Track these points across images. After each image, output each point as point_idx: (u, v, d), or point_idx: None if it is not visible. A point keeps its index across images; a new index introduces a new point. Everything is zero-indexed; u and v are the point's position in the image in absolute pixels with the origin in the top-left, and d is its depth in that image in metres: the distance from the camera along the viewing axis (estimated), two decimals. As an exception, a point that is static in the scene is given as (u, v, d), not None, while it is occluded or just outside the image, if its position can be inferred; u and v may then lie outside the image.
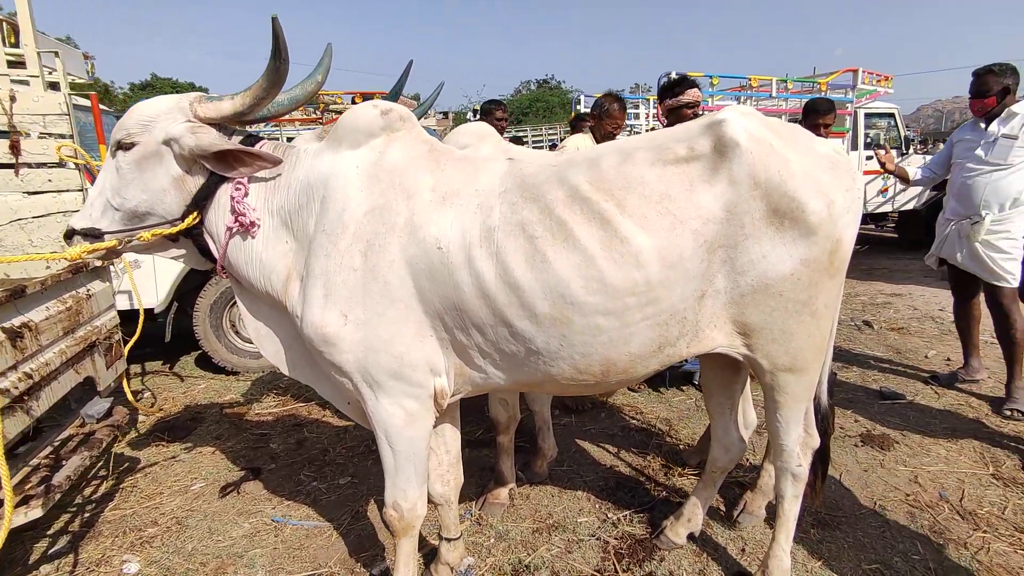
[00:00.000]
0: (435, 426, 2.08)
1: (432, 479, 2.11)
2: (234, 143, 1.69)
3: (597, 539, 2.40)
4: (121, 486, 2.93)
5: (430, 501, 2.06)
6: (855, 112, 7.84)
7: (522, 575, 2.23)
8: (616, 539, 2.40)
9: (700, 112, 3.27)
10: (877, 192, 8.20)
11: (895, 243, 9.47)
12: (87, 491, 2.86)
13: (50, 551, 2.42)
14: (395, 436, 1.79)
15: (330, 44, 1.95)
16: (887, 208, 8.37)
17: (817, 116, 3.58)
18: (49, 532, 2.55)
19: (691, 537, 2.33)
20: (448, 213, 1.64)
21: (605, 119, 3.63)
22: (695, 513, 2.31)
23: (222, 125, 1.81)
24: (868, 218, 9.19)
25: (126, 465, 3.13)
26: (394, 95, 2.22)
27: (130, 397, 2.97)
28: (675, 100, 3.24)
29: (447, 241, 1.61)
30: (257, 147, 1.80)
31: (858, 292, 6.33)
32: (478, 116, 4.52)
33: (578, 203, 1.57)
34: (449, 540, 2.19)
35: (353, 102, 8.43)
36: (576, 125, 4.43)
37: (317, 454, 3.20)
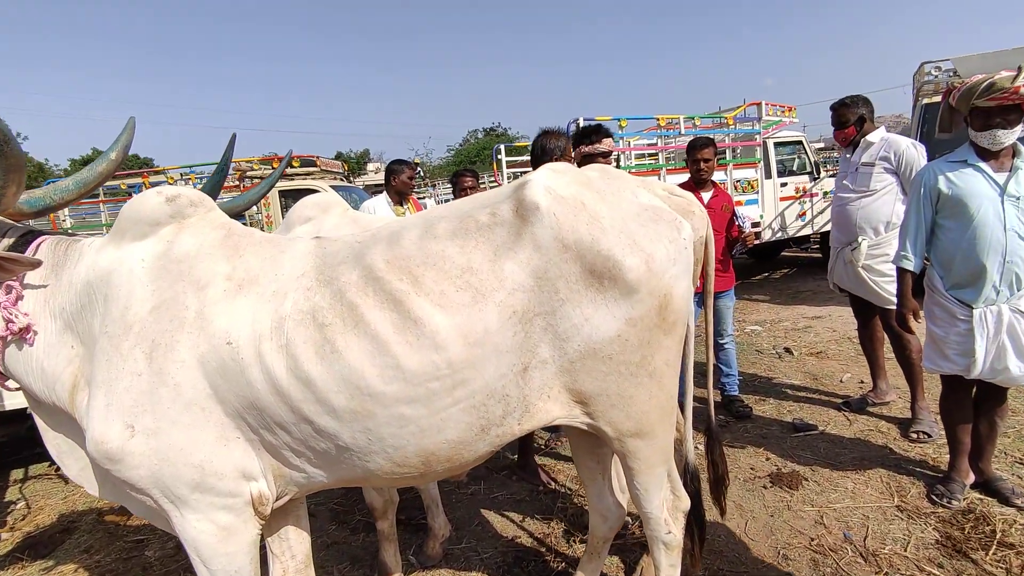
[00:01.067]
0: (272, 531, 1.89)
1: (276, 591, 1.89)
2: None
3: (485, 629, 2.20)
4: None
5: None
6: (764, 143, 8.16)
7: None
8: (506, 627, 2.20)
9: (611, 162, 3.27)
10: (796, 216, 8.48)
11: (821, 264, 9.78)
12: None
13: None
14: (209, 556, 1.58)
15: (132, 118, 1.83)
16: (807, 231, 8.64)
17: (695, 152, 3.64)
18: None
19: (583, 616, 2.16)
20: (242, 303, 1.50)
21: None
22: (584, 586, 2.15)
23: None
24: (792, 242, 9.49)
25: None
26: (220, 171, 2.10)
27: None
28: (592, 148, 3.19)
29: (237, 334, 1.46)
30: (34, 244, 1.64)
31: (782, 318, 6.42)
32: (388, 177, 4.38)
33: (371, 284, 1.45)
34: (309, 656, 1.95)
35: (272, 167, 8.31)
36: (455, 181, 4.35)
37: (197, 558, 2.90)
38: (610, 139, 3.23)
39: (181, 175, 8.76)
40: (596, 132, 3.24)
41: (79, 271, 1.60)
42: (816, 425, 3.61)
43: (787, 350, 5.22)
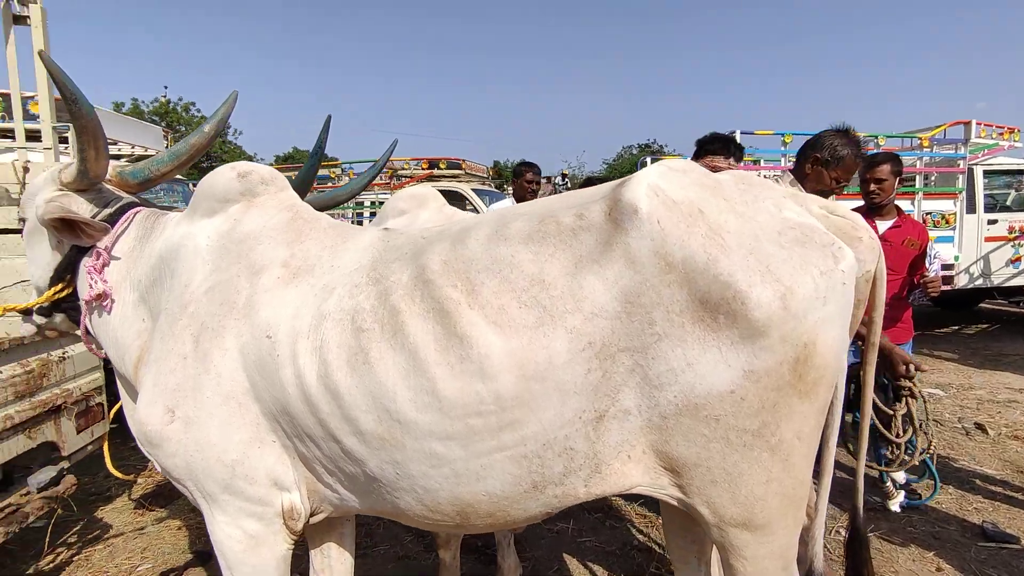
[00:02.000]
0: (317, 545, 1.74)
1: (313, 610, 1.74)
2: (65, 210, 1.52)
3: None
4: (76, 557, 2.81)
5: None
6: (970, 170, 6.75)
7: None
8: None
9: None
10: (1006, 262, 6.92)
11: (1035, 323, 7.90)
12: (44, 560, 2.77)
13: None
14: (235, 564, 1.45)
15: (235, 92, 1.79)
16: (1020, 281, 7.02)
17: (868, 169, 2.99)
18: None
19: None
20: (291, 294, 1.35)
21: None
22: None
23: (99, 190, 1.69)
24: (996, 292, 7.77)
25: (95, 532, 3.03)
26: (315, 154, 2.02)
27: (108, 463, 2.89)
28: (710, 161, 2.82)
29: (277, 328, 1.31)
30: (129, 214, 1.65)
31: (974, 384, 5.17)
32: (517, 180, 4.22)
33: (420, 288, 1.21)
34: None
35: (421, 168, 8.66)
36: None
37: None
38: (723, 158, 2.73)
39: (342, 170, 9.47)
40: (710, 143, 2.75)
41: (157, 244, 1.57)
42: (1018, 537, 2.74)
43: (979, 426, 4.16)
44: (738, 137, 5.57)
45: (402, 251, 1.33)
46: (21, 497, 2.50)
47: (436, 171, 8.44)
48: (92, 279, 1.56)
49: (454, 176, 8.54)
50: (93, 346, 1.71)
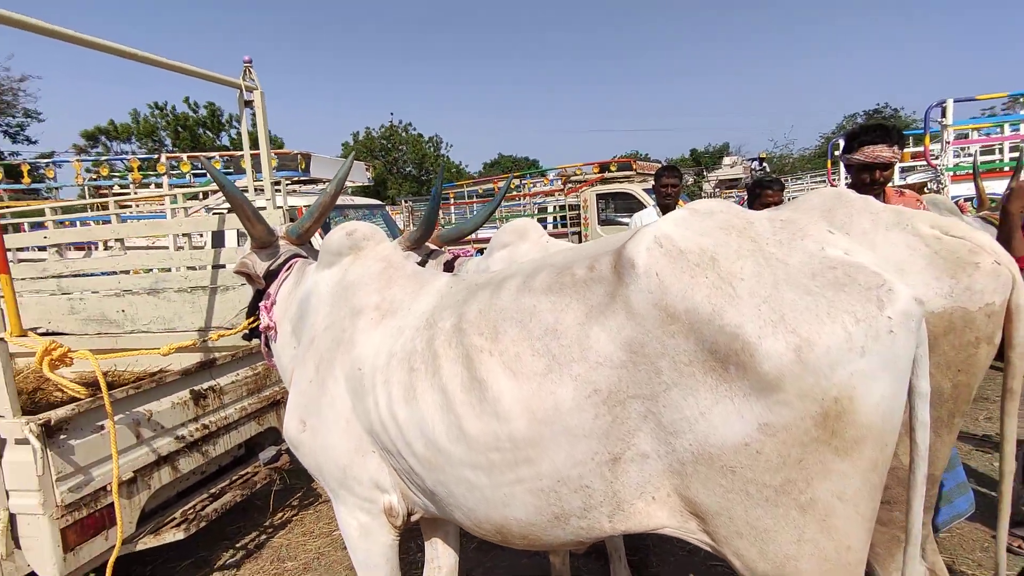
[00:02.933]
0: (428, 539, 2.05)
1: (424, 592, 2.05)
2: (240, 264, 2.05)
3: None
4: (292, 517, 3.61)
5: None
6: None
7: None
8: None
9: (877, 176, 2.48)
10: None
11: None
12: (263, 519, 3.61)
13: (204, 573, 3.15)
14: (352, 545, 1.82)
15: (352, 155, 2.20)
16: None
17: None
18: (211, 559, 3.31)
19: None
20: (377, 334, 1.65)
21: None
22: None
23: (275, 246, 2.21)
24: None
25: (308, 500, 3.84)
26: (434, 199, 2.31)
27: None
28: (847, 159, 2.57)
29: (365, 363, 1.62)
30: (289, 264, 2.13)
31: None
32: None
33: (456, 335, 1.40)
34: (449, 660, 2.07)
35: (593, 171, 8.81)
36: (755, 193, 3.65)
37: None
38: (877, 147, 2.42)
39: (520, 179, 10.12)
40: (864, 133, 2.45)
41: (302, 288, 2.02)
42: None
43: None
44: (951, 104, 4.61)
45: (456, 298, 1.54)
46: (252, 468, 3.31)
47: (607, 173, 8.51)
48: (263, 315, 2.08)
49: (626, 177, 8.51)
50: (273, 363, 2.25)
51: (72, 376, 3.51)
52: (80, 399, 2.24)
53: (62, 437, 2.21)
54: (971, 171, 4.46)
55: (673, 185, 3.93)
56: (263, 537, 3.42)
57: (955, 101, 4.75)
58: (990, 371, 1.43)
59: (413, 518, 1.81)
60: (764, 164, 18.70)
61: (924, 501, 1.50)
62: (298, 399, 1.81)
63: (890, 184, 2.85)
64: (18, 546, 2.21)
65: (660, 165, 10.14)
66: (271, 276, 2.15)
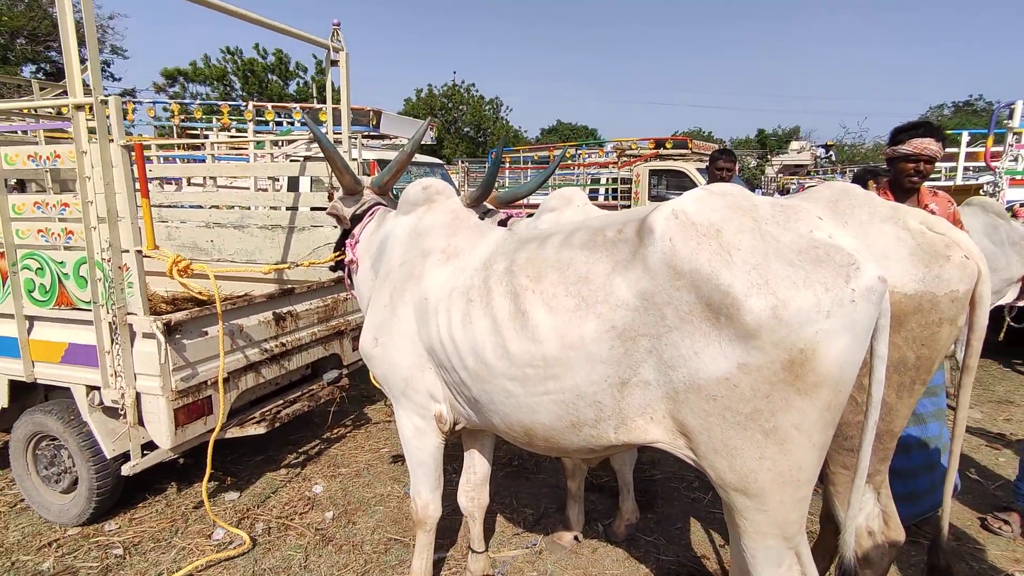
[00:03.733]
0: (467, 449, 2.45)
1: (459, 493, 2.48)
2: (332, 207, 2.46)
3: (620, 616, 2.32)
4: (346, 433, 4.13)
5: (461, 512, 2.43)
6: None
7: (534, 613, 2.36)
8: (638, 625, 2.27)
9: (920, 169, 2.67)
10: None
11: None
12: (322, 432, 4.14)
13: (269, 471, 3.69)
14: (407, 443, 2.24)
15: (430, 118, 2.55)
16: None
17: None
18: (278, 458, 3.86)
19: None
20: (442, 272, 2.02)
21: None
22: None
23: (360, 194, 2.60)
24: None
25: (360, 421, 4.36)
26: (494, 164, 2.63)
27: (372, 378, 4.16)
28: (892, 150, 2.76)
29: (431, 294, 1.99)
30: (371, 210, 2.52)
31: None
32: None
33: (506, 276, 1.75)
34: (475, 552, 2.50)
35: (648, 147, 8.88)
36: (864, 178, 3.80)
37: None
38: (923, 140, 2.59)
39: (576, 148, 10.23)
40: (904, 131, 2.68)
41: (381, 231, 2.40)
42: None
43: None
44: (1020, 106, 4.55)
45: (509, 247, 1.88)
46: (318, 386, 3.80)
47: (662, 150, 8.59)
48: (348, 250, 2.48)
49: (680, 155, 8.57)
50: (353, 292, 2.66)
51: (169, 295, 4.08)
52: (203, 300, 2.72)
53: (177, 336, 2.71)
54: (1027, 176, 4.46)
55: (728, 169, 4.10)
56: (322, 446, 3.95)
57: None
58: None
59: (458, 427, 2.20)
60: (831, 152, 18.05)
61: (884, 454, 1.80)
62: (373, 320, 2.21)
63: (927, 183, 3.00)
64: (141, 422, 2.75)
65: (716, 147, 10.09)
66: (356, 220, 2.54)
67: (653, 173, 8.53)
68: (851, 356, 1.39)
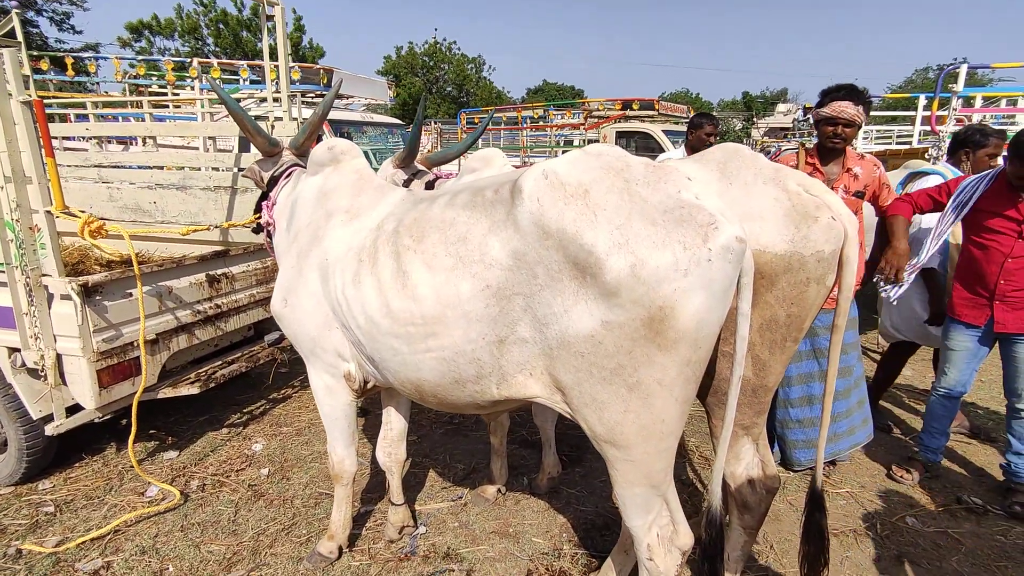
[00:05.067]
0: (384, 406, 2.51)
1: (377, 448, 2.54)
2: (248, 169, 2.43)
3: (531, 562, 2.43)
4: (292, 394, 4.18)
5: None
6: None
7: (451, 560, 2.46)
8: (547, 569, 2.38)
9: (840, 132, 2.68)
10: None
11: None
12: (269, 393, 4.18)
13: (211, 431, 3.74)
14: (320, 402, 2.28)
15: (340, 79, 2.50)
16: None
17: None
18: (222, 418, 3.90)
19: (604, 599, 2.16)
20: (343, 232, 2.02)
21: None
22: (608, 573, 2.14)
23: (279, 155, 2.56)
24: None
25: (308, 383, 4.39)
26: (416, 125, 2.61)
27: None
28: (816, 112, 2.77)
29: (332, 254, 2.00)
30: (287, 172, 2.49)
31: None
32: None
33: (393, 237, 1.76)
34: (394, 504, 2.58)
35: (615, 108, 8.80)
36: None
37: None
38: (841, 103, 2.64)
39: (544, 110, 10.12)
40: (839, 91, 2.71)
41: (295, 192, 2.38)
42: None
43: None
44: (964, 70, 4.58)
45: (403, 208, 1.89)
46: (259, 347, 3.82)
47: (629, 111, 8.52)
48: (264, 212, 2.46)
49: (649, 117, 8.51)
50: (273, 255, 2.65)
51: (104, 259, 4.01)
52: (114, 264, 2.69)
53: (97, 298, 2.69)
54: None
55: (713, 135, 4.09)
56: (266, 406, 4.00)
57: (969, 67, 4.70)
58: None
59: (368, 385, 2.24)
60: (809, 115, 18.00)
61: (760, 407, 1.87)
62: (282, 281, 2.21)
63: (854, 147, 3.02)
64: (64, 382, 2.75)
65: (684, 108, 10.02)
66: (273, 181, 2.51)
67: (620, 135, 8.47)
68: (709, 313, 1.43)
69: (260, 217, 2.59)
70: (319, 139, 2.58)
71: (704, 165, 1.74)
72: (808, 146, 2.97)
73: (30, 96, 2.33)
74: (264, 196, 2.54)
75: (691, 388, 1.54)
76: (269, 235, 2.56)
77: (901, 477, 2.93)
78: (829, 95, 2.71)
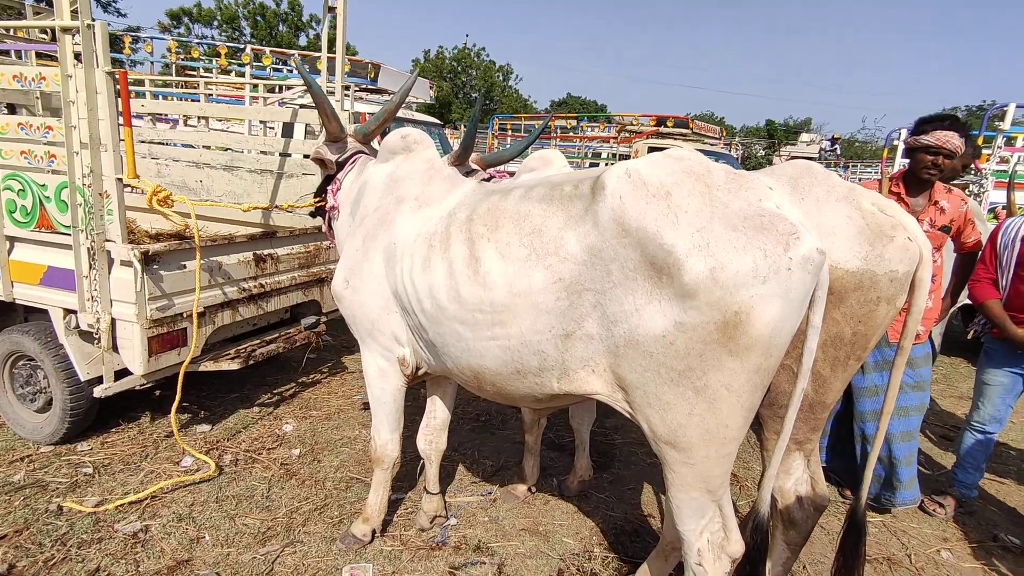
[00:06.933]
0: (430, 395, 2.54)
1: (419, 436, 2.57)
2: (316, 152, 2.48)
3: (562, 561, 2.44)
4: (321, 379, 4.22)
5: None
6: None
7: (482, 553, 2.47)
8: (577, 570, 2.39)
9: (939, 163, 2.62)
10: None
11: None
12: (298, 377, 4.23)
13: (242, 408, 3.79)
14: (371, 383, 2.31)
15: (417, 70, 2.56)
16: None
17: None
18: (253, 397, 3.95)
19: (637, 604, 2.17)
20: (413, 218, 2.07)
21: None
22: (643, 580, 2.15)
23: (344, 142, 2.61)
24: None
25: (336, 369, 4.45)
26: (473, 122, 2.66)
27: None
28: (914, 140, 2.69)
29: (400, 239, 2.04)
30: (353, 159, 2.54)
31: None
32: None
33: (466, 224, 1.80)
34: (429, 493, 2.60)
35: (649, 124, 8.84)
36: None
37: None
38: (945, 133, 2.54)
39: (578, 120, 10.19)
40: (927, 122, 2.62)
41: (361, 178, 2.43)
42: None
43: None
44: (1011, 109, 4.56)
45: (475, 198, 1.93)
46: (295, 330, 3.87)
47: (663, 128, 8.55)
48: (330, 196, 2.52)
49: (683, 135, 8.53)
50: (333, 239, 2.70)
51: (154, 231, 4.10)
52: (178, 232, 2.76)
53: (155, 267, 2.76)
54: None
55: None
56: (296, 389, 4.04)
57: (1017, 106, 4.68)
58: None
59: (420, 371, 2.27)
60: (836, 146, 17.95)
61: (815, 424, 1.88)
62: (346, 262, 2.25)
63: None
64: (115, 348, 2.82)
65: (718, 129, 10.03)
66: (339, 166, 2.57)
67: (651, 151, 8.49)
68: (783, 322, 1.44)
69: (322, 200, 2.65)
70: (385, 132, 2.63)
71: (775, 180, 1.76)
72: (890, 173, 2.94)
73: (114, 68, 2.41)
74: (329, 180, 2.59)
75: (757, 396, 1.55)
76: (330, 221, 2.61)
77: (934, 511, 2.91)
78: (930, 123, 2.61)
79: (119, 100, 2.45)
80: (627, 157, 8.95)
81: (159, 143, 4.77)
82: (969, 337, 4.64)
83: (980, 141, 4.73)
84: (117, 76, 2.44)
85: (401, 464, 3.13)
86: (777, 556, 1.98)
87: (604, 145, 10.62)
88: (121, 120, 2.49)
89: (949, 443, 3.85)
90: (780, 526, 1.96)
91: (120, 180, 2.57)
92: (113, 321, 2.75)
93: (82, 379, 2.84)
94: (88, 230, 2.60)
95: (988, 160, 4.67)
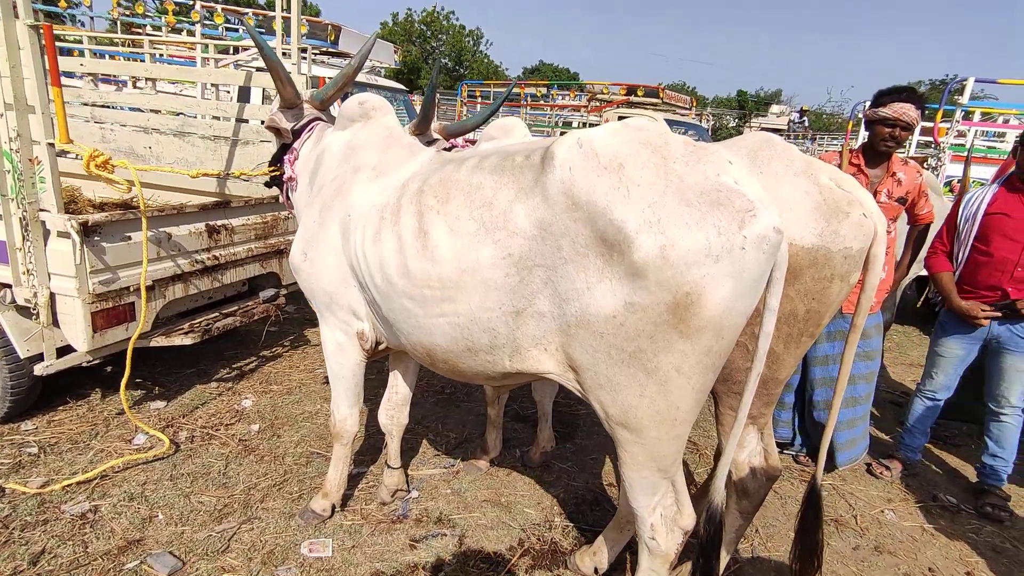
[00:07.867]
0: (391, 370, 2.49)
1: (380, 411, 2.54)
2: (270, 120, 2.37)
3: (523, 531, 2.46)
4: (283, 353, 4.14)
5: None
6: None
7: (443, 525, 2.48)
8: (538, 540, 2.42)
9: (897, 135, 2.64)
10: None
11: None
12: (258, 351, 4.14)
13: (199, 384, 3.70)
14: (329, 358, 2.26)
15: (376, 33, 2.43)
16: None
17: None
18: (210, 372, 3.86)
19: (596, 571, 2.21)
20: (369, 188, 1.99)
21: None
22: (601, 550, 2.18)
23: (300, 108, 2.48)
24: None
25: (298, 342, 4.36)
26: (431, 90, 2.56)
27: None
28: (872, 112, 2.70)
29: (355, 210, 1.96)
30: (311, 127, 2.42)
31: None
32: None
33: (417, 196, 1.73)
34: (390, 467, 2.59)
35: (620, 93, 8.73)
36: None
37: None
38: (902, 105, 2.56)
39: (548, 88, 10.03)
40: (887, 94, 2.63)
41: (319, 146, 2.32)
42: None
43: None
44: (971, 84, 4.63)
45: (430, 169, 1.86)
46: (253, 303, 3.76)
47: (633, 97, 8.46)
48: (287, 166, 2.40)
49: (653, 104, 8.46)
50: (292, 210, 2.59)
51: (98, 200, 3.90)
52: (120, 196, 2.60)
53: (96, 238, 2.62)
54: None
55: None
56: (256, 363, 3.96)
57: (976, 81, 4.76)
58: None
59: (380, 347, 2.22)
60: (804, 117, 18.12)
61: (769, 398, 1.89)
62: (303, 234, 2.17)
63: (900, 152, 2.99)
64: (56, 324, 2.68)
65: (688, 99, 9.98)
66: (295, 134, 2.44)
67: (622, 120, 8.40)
68: (736, 304, 1.40)
69: (278, 170, 2.53)
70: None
71: (734, 153, 1.72)
72: (853, 146, 2.95)
73: (39, 20, 2.22)
74: (285, 149, 2.47)
75: (710, 377, 1.54)
76: (287, 191, 2.50)
77: (881, 473, 3.03)
78: (888, 95, 2.64)
79: (45, 57, 2.27)
80: (598, 125, 8.85)
81: (103, 106, 4.50)
82: (919, 305, 4.79)
83: (940, 116, 4.80)
84: (42, 30, 2.25)
85: (364, 438, 3.11)
86: (730, 524, 2.02)
87: (575, 114, 10.47)
88: (49, 79, 2.31)
89: (898, 409, 4.00)
90: (734, 496, 2.00)
91: (52, 145, 2.41)
92: (53, 296, 2.61)
93: (21, 356, 2.71)
94: (19, 199, 2.44)
95: (947, 134, 4.75)
